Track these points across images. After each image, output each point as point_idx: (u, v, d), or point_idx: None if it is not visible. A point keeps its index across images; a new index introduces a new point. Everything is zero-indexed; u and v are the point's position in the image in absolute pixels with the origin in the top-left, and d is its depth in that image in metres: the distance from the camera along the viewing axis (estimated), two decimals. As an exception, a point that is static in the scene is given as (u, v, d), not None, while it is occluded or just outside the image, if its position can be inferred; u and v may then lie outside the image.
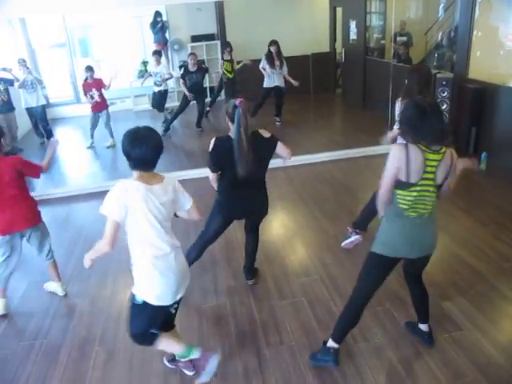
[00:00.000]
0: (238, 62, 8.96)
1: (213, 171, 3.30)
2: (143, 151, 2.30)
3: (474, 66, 6.20)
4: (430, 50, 8.86)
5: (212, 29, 10.69)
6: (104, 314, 3.50)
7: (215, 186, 3.43)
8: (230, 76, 8.96)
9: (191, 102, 8.41)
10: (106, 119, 8.02)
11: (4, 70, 7.89)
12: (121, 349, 3.10)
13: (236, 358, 2.99)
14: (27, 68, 8.11)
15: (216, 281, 3.86)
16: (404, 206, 2.48)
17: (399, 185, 2.44)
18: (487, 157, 5.72)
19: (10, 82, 7.96)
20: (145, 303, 2.44)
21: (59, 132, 9.42)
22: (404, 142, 2.44)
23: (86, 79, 7.79)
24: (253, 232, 3.70)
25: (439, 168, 2.40)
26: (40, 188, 6.08)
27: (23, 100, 8.26)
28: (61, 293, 3.80)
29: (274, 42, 8.10)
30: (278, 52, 8.11)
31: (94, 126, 8.04)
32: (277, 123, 8.43)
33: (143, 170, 2.38)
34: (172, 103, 10.89)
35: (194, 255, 3.61)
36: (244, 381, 2.81)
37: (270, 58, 8.13)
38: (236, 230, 4.46)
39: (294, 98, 8.92)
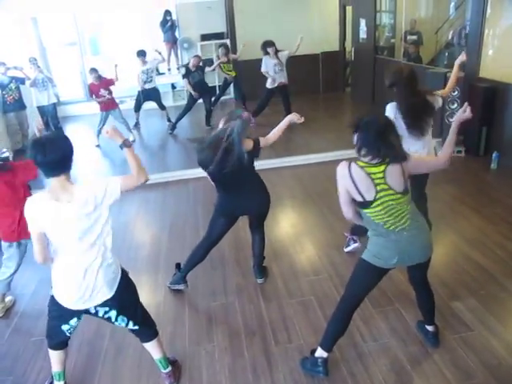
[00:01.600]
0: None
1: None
2: (42, 157, 2.20)
3: (485, 65, 6.14)
4: (441, 49, 8.79)
5: (221, 27, 10.71)
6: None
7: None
8: (233, 75, 9.11)
9: (198, 101, 8.54)
10: (118, 116, 8.10)
11: (15, 68, 7.98)
12: (130, 345, 3.12)
13: (244, 356, 3.00)
14: (38, 67, 8.20)
15: (225, 279, 3.87)
16: (379, 222, 2.47)
17: (360, 205, 2.48)
18: (498, 156, 5.67)
19: (21, 81, 8.05)
20: (52, 296, 2.51)
21: (70, 130, 9.49)
22: (346, 162, 2.49)
23: (92, 82, 7.87)
24: (257, 231, 3.72)
25: (389, 177, 2.40)
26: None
27: (34, 98, 8.34)
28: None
29: (271, 43, 7.92)
30: (276, 51, 8.02)
31: (102, 124, 8.06)
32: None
33: (53, 175, 2.27)
34: (182, 101, 10.98)
35: (197, 257, 3.65)
36: (253, 379, 2.82)
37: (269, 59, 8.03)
38: (245, 229, 4.46)
39: (303, 97, 8.92)
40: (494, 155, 5.69)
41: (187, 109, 8.62)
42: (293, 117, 3.50)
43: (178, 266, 3.79)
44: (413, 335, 3.05)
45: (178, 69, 10.99)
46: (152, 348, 2.75)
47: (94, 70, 7.82)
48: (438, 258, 3.45)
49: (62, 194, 2.25)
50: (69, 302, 2.46)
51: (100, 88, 7.77)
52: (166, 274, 4.00)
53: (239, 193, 3.38)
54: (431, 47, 8.88)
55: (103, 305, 2.48)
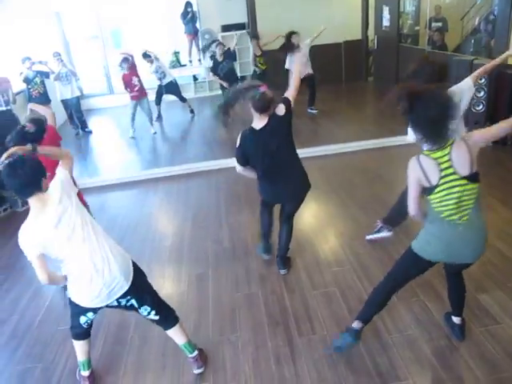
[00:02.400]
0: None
1: (241, 164, 3.37)
2: (12, 182, 2.31)
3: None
4: (467, 36, 8.57)
5: (242, 18, 10.64)
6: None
7: (247, 175, 3.47)
8: (263, 68, 8.98)
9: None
10: (146, 107, 8.13)
11: (40, 63, 8.11)
12: (155, 335, 3.17)
13: (268, 346, 3.01)
14: (62, 61, 8.31)
15: (248, 269, 3.89)
16: (439, 209, 2.40)
17: (427, 191, 2.40)
18: (527, 145, 5.53)
19: (46, 75, 8.18)
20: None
21: (93, 123, 9.62)
22: (415, 158, 2.38)
23: (124, 74, 7.87)
24: (287, 221, 3.72)
25: (455, 160, 2.29)
26: (76, 177, 6.24)
27: (58, 92, 8.48)
28: None
29: (295, 33, 7.79)
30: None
31: (134, 115, 8.15)
32: (313, 111, 8.30)
33: (27, 197, 2.38)
34: (203, 93, 11.00)
35: (264, 222, 3.87)
36: (276, 369, 2.83)
37: (290, 49, 7.88)
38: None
39: (325, 87, 8.83)
40: (522, 144, 5.55)
41: None
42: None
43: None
44: (438, 327, 3.01)
45: (199, 60, 11.01)
46: (175, 334, 2.80)
47: (126, 60, 7.82)
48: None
49: (43, 207, 2.36)
50: (88, 303, 2.55)
51: (131, 76, 7.81)
52: (189, 264, 4.04)
53: (281, 178, 3.36)
54: (457, 34, 8.66)
55: (123, 296, 2.54)
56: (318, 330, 3.11)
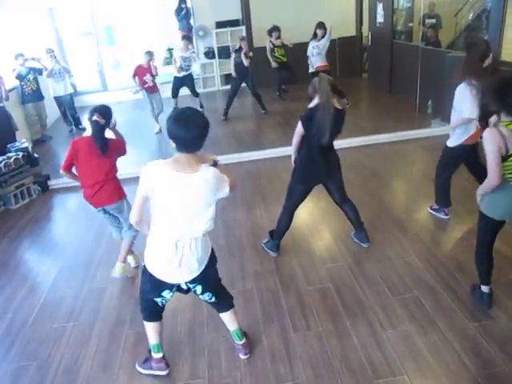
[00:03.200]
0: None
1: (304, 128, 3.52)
2: (185, 132, 2.26)
3: (506, 48, 6.00)
4: (460, 33, 8.61)
5: (237, 14, 10.62)
6: (133, 298, 3.56)
7: (294, 147, 3.66)
8: (284, 60, 8.88)
9: (242, 84, 8.46)
10: (158, 102, 7.99)
11: (33, 59, 8.06)
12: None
13: (263, 343, 3.02)
14: (55, 57, 8.25)
15: (243, 266, 3.89)
16: (509, 175, 2.70)
17: (503, 159, 2.66)
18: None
19: (39, 72, 8.13)
20: (145, 267, 2.55)
21: (87, 120, 9.57)
22: (493, 127, 2.65)
23: (141, 65, 7.69)
24: (345, 201, 3.95)
25: None
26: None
27: (51, 89, 8.43)
28: (133, 264, 3.99)
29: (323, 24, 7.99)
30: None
31: (152, 106, 8.00)
32: None
33: (186, 151, 2.33)
34: (198, 90, 10.94)
35: (284, 224, 3.91)
36: (271, 366, 2.83)
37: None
38: (262, 217, 4.48)
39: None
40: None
41: (233, 94, 8.48)
42: None
43: (271, 233, 4.03)
44: (432, 323, 3.03)
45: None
46: (228, 318, 2.86)
47: (149, 53, 7.70)
48: (457, 242, 3.42)
49: (185, 168, 2.31)
50: (160, 273, 2.52)
51: (146, 72, 7.67)
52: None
53: (325, 159, 3.65)
54: (450, 31, 8.71)
55: (192, 282, 2.57)
56: (313, 326, 3.12)
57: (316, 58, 8.11)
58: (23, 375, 2.97)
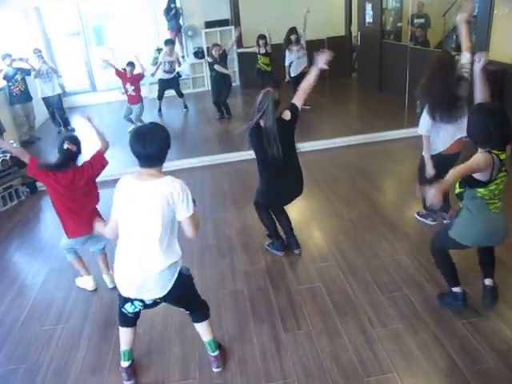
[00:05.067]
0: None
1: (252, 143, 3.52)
2: (142, 148, 2.30)
3: (494, 48, 6.05)
4: (449, 32, 8.66)
5: (226, 14, 10.62)
6: (123, 300, 3.55)
7: None
8: (268, 69, 8.68)
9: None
10: (138, 113, 7.90)
11: (21, 60, 7.98)
12: (140, 333, 3.14)
13: (254, 342, 3.02)
14: (42, 58, 8.19)
15: (233, 266, 3.89)
16: (485, 198, 2.69)
17: (480, 185, 2.66)
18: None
19: (27, 72, 8.06)
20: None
21: (76, 120, 9.49)
22: (488, 153, 2.60)
23: (124, 70, 7.72)
24: (282, 212, 3.94)
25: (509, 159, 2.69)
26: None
27: (39, 89, 8.36)
28: (110, 285, 3.75)
29: (295, 30, 8.03)
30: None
31: (127, 115, 8.02)
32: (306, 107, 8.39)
33: (147, 166, 2.37)
34: (187, 90, 10.92)
35: (268, 222, 3.97)
36: (262, 365, 2.83)
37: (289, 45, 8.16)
38: (252, 215, 4.47)
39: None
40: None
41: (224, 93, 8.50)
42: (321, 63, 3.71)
43: (269, 236, 4.08)
44: (422, 321, 3.05)
45: (182, 57, 10.95)
46: (201, 329, 2.81)
47: (131, 64, 7.71)
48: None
49: (147, 178, 2.36)
50: (120, 286, 2.53)
51: (127, 82, 7.69)
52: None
53: (288, 180, 3.65)
54: (439, 30, 8.74)
55: (157, 299, 2.55)
56: (304, 325, 3.12)
57: (301, 60, 8.12)
58: (12, 378, 2.95)
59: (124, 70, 7.71)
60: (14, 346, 3.23)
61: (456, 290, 3.07)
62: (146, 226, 2.36)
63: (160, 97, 9.07)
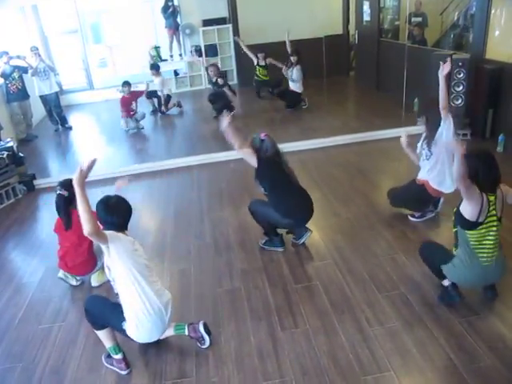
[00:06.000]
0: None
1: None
2: (112, 218, 2.74)
3: (491, 46, 6.05)
4: (446, 31, 8.67)
5: (223, 12, 10.60)
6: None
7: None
8: (265, 79, 9.13)
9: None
10: (141, 115, 8.18)
11: (18, 57, 7.95)
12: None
13: (251, 341, 3.02)
14: (39, 55, 8.16)
15: (230, 265, 3.88)
16: (475, 244, 2.84)
17: (470, 226, 2.79)
18: (504, 139, 5.61)
19: (24, 70, 8.03)
20: None
21: (73, 118, 9.48)
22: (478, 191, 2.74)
23: (123, 96, 7.88)
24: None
25: (497, 203, 2.80)
26: (56, 174, 6.18)
27: (37, 87, 8.33)
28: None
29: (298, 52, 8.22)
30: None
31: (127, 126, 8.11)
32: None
33: (114, 230, 2.70)
34: (185, 88, 10.92)
35: (263, 219, 4.03)
36: (259, 364, 2.83)
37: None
38: (249, 215, 4.46)
39: (307, 82, 8.83)
40: (500, 138, 5.63)
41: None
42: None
43: (265, 234, 4.09)
44: (419, 319, 3.05)
45: (180, 55, 10.94)
46: (103, 336, 2.88)
47: (126, 84, 7.82)
48: (444, 240, 3.44)
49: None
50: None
51: (131, 101, 7.84)
52: (171, 260, 4.02)
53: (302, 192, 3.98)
54: (436, 29, 8.75)
55: None
56: (301, 324, 3.12)
57: (293, 79, 8.30)
58: (9, 377, 2.94)
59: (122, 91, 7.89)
60: (10, 344, 3.23)
61: (444, 283, 3.11)
62: None
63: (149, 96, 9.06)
